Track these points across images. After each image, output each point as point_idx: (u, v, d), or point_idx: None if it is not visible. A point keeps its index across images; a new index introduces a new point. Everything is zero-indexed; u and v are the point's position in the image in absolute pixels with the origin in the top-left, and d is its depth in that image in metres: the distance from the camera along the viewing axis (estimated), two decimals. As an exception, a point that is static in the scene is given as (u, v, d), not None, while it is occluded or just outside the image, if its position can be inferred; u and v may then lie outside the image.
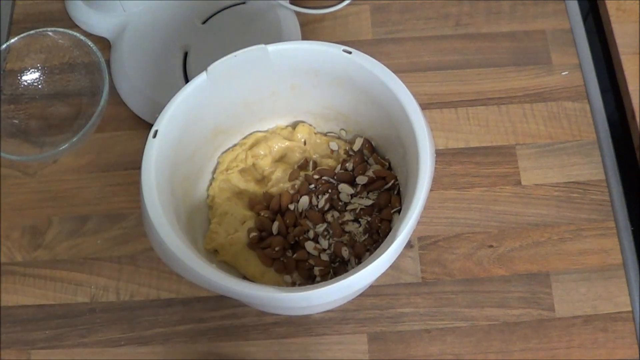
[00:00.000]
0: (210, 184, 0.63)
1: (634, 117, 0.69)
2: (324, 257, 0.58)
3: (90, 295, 0.64)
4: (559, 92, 0.72)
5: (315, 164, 0.64)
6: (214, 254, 0.61)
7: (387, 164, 0.62)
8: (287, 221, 0.60)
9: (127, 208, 0.67)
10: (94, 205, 0.67)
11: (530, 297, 0.63)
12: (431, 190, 0.67)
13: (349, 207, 0.60)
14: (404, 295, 0.63)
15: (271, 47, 0.55)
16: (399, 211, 0.59)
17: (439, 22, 0.77)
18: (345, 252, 0.58)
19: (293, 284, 0.59)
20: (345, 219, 0.60)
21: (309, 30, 0.76)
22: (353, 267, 0.54)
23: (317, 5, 0.77)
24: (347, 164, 0.62)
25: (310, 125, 0.65)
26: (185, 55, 0.72)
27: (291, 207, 0.61)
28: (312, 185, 0.61)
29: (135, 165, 0.63)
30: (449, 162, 0.69)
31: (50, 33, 0.69)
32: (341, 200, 0.60)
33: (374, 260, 0.47)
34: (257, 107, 0.62)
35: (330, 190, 0.61)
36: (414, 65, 0.74)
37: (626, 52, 0.72)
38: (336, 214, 0.60)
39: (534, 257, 0.65)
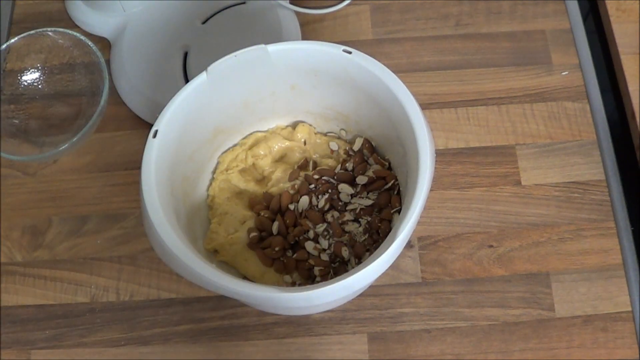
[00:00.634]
0: (210, 184, 0.63)
1: (634, 117, 0.69)
2: (324, 257, 0.58)
3: (90, 295, 0.64)
4: (559, 92, 0.72)
5: (315, 164, 0.64)
6: (214, 254, 0.61)
7: (387, 164, 0.62)
8: (287, 221, 0.60)
9: (127, 208, 0.67)
10: (94, 205, 0.67)
11: (530, 297, 0.63)
12: (431, 190, 0.67)
13: (349, 207, 0.60)
14: (404, 295, 0.63)
15: (271, 47, 0.55)
16: (399, 211, 0.59)
17: (439, 22, 0.77)
18: (345, 252, 0.58)
19: (293, 284, 0.59)
20: (345, 219, 0.60)
21: (309, 30, 0.76)
22: (353, 267, 0.54)
23: (317, 5, 0.77)
24: (347, 164, 0.62)
25: (310, 125, 0.65)
26: (185, 55, 0.72)
27: (291, 207, 0.61)
28: (312, 185, 0.61)
29: (135, 165, 0.63)
30: (449, 162, 0.69)
31: (50, 33, 0.69)
32: (341, 200, 0.60)
33: (374, 260, 0.47)
34: (257, 107, 0.62)
35: (330, 190, 0.61)
36: (414, 65, 0.74)
37: (626, 52, 0.72)
38: (336, 214, 0.60)
39: (534, 257, 0.65)
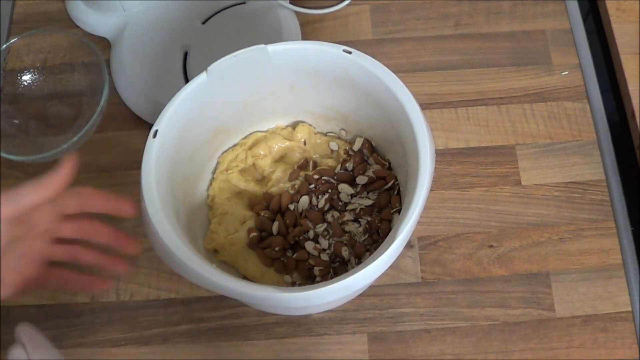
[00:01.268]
0: (210, 184, 0.63)
1: (633, 117, 0.69)
2: (324, 257, 0.58)
3: (90, 296, 0.64)
4: (559, 92, 0.72)
5: (315, 164, 0.64)
6: (214, 254, 0.61)
7: (387, 164, 0.62)
8: (287, 221, 0.60)
9: (127, 208, 0.67)
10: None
11: (530, 297, 0.63)
12: (431, 190, 0.67)
13: (348, 207, 0.60)
14: (404, 295, 0.63)
15: (271, 47, 0.55)
16: (399, 211, 0.59)
17: (439, 22, 0.77)
18: (345, 252, 0.58)
19: (293, 284, 0.59)
20: (345, 219, 0.60)
21: (309, 30, 0.76)
22: (353, 267, 0.54)
23: (317, 6, 0.77)
24: (347, 164, 0.62)
25: (310, 125, 0.65)
26: (185, 55, 0.72)
27: (291, 207, 0.61)
28: (312, 185, 0.61)
29: (135, 165, 0.63)
30: (449, 162, 0.69)
31: (50, 33, 0.69)
32: (341, 200, 0.60)
33: (374, 260, 0.47)
34: (256, 107, 0.62)
35: (330, 190, 0.61)
36: (414, 66, 0.74)
37: (626, 52, 0.72)
38: (336, 214, 0.60)
39: (533, 257, 0.65)
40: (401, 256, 0.64)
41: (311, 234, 0.59)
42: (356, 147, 0.63)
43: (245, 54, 0.55)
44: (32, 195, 0.47)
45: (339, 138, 0.65)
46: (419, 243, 0.65)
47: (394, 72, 0.55)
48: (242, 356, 0.61)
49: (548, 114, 0.71)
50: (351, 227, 0.59)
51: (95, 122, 0.66)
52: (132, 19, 0.73)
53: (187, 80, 0.71)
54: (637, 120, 0.68)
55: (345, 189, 0.61)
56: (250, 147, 0.64)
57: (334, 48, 0.56)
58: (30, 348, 0.45)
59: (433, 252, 0.65)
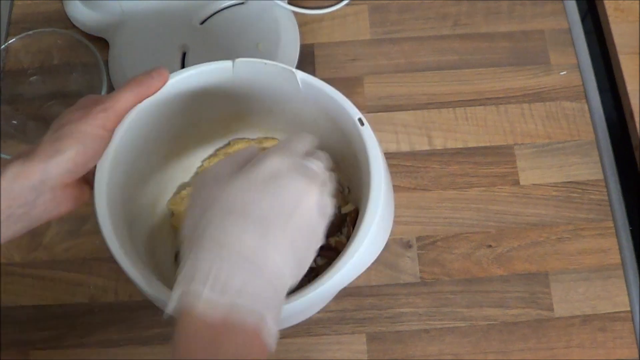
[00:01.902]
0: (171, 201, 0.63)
1: (632, 116, 0.69)
2: None
3: (89, 296, 0.64)
4: (558, 92, 0.72)
5: None
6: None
7: (346, 189, 0.61)
8: None
9: (126, 208, 0.67)
10: (93, 205, 0.67)
11: (529, 297, 0.63)
12: (430, 190, 0.68)
13: None
14: (403, 296, 0.63)
15: (299, 75, 0.52)
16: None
17: (437, 22, 0.77)
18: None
19: None
20: None
21: (308, 31, 0.76)
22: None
23: (316, 6, 0.77)
24: None
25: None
26: (184, 55, 0.72)
27: None
28: None
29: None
30: (447, 162, 0.69)
31: (48, 33, 0.69)
32: None
33: (300, 298, 0.45)
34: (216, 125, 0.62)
35: None
36: (413, 65, 0.74)
37: (624, 52, 0.72)
38: None
39: (532, 257, 0.65)
40: (400, 256, 0.65)
41: None
42: None
43: (273, 67, 0.53)
44: (127, 95, 0.48)
45: None
46: (417, 243, 0.65)
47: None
48: (241, 356, 0.61)
49: (546, 113, 0.71)
50: None
51: (93, 123, 0.66)
52: (131, 19, 0.73)
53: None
54: (636, 120, 0.69)
55: None
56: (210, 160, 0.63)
57: (351, 109, 0.52)
58: None
59: (432, 252, 0.65)
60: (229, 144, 0.64)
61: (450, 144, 0.70)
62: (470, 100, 0.72)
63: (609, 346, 0.61)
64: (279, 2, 0.74)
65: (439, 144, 0.70)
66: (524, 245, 0.65)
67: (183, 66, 0.71)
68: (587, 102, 0.72)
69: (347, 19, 0.77)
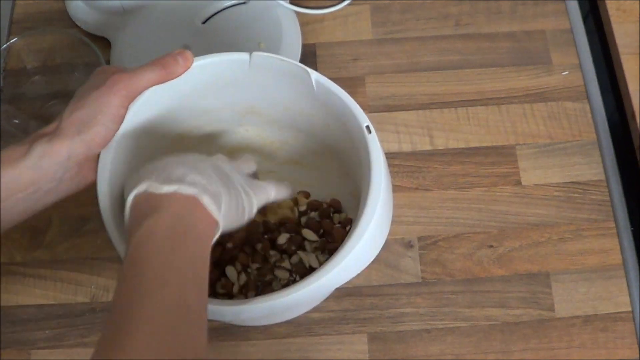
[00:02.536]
0: None
1: (634, 117, 0.69)
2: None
3: (90, 295, 0.64)
4: (559, 92, 0.72)
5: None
6: None
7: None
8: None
9: (127, 208, 0.67)
10: (94, 205, 0.67)
11: (530, 297, 0.63)
12: (431, 190, 0.68)
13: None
14: (404, 295, 0.63)
15: (314, 75, 0.53)
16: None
17: (439, 22, 0.76)
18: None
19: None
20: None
21: (309, 31, 0.76)
22: None
23: (318, 5, 0.77)
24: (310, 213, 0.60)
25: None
26: (186, 55, 0.72)
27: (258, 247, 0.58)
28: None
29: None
30: (449, 162, 0.69)
31: (50, 33, 0.69)
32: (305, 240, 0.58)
33: (292, 292, 0.47)
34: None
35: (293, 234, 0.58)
36: (414, 65, 0.74)
37: (626, 52, 0.72)
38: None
39: (534, 257, 0.65)
40: (401, 256, 0.64)
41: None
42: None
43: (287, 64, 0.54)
44: (150, 75, 0.50)
45: None
46: (419, 243, 0.65)
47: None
48: (242, 356, 0.61)
49: (548, 114, 0.71)
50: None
51: (95, 122, 0.66)
52: (133, 19, 0.73)
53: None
54: (637, 120, 0.68)
55: (309, 235, 0.58)
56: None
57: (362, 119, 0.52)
58: None
59: (433, 252, 0.65)
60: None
61: (452, 144, 0.70)
62: (472, 100, 0.72)
63: (610, 346, 0.61)
64: (280, 1, 0.74)
65: (440, 144, 0.70)
66: (525, 245, 0.65)
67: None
68: (589, 102, 0.72)
69: (348, 19, 0.77)
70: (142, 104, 0.51)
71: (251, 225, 0.53)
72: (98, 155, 0.50)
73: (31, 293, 0.64)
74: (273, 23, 0.73)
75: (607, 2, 0.75)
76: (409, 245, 0.65)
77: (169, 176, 0.44)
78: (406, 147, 0.70)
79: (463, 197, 0.67)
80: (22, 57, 0.70)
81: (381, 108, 0.71)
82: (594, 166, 0.69)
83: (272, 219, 0.59)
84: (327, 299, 0.62)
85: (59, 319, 0.63)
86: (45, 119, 0.70)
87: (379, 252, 0.51)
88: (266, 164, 0.63)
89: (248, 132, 0.64)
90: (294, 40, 0.73)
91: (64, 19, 0.76)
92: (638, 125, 0.68)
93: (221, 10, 0.74)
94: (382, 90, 0.72)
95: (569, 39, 0.75)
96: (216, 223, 0.45)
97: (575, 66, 0.74)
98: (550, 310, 0.62)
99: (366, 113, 0.52)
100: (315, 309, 0.62)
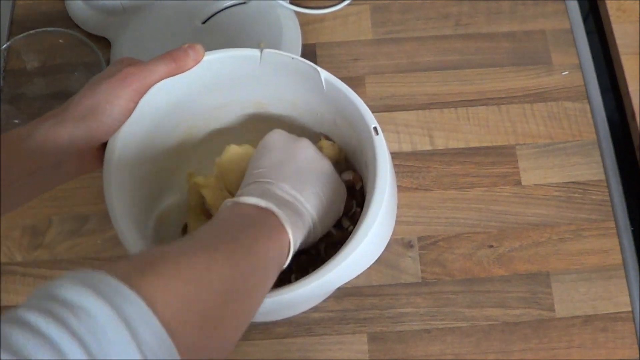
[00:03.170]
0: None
1: (634, 117, 0.69)
2: None
3: (90, 295, 0.63)
4: (559, 92, 0.72)
5: None
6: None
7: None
8: None
9: (127, 208, 0.67)
10: (94, 205, 0.67)
11: (530, 297, 0.63)
12: (431, 190, 0.68)
13: None
14: (404, 295, 0.63)
15: (324, 74, 0.53)
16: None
17: (439, 22, 0.77)
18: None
19: None
20: None
21: (309, 31, 0.76)
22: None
23: (318, 5, 0.77)
24: None
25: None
26: (186, 55, 0.72)
27: None
28: None
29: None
30: (449, 162, 0.69)
31: (50, 33, 0.69)
32: None
33: (293, 290, 0.47)
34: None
35: None
36: (414, 65, 0.74)
37: (626, 52, 0.72)
38: None
39: (534, 257, 0.65)
40: (401, 256, 0.64)
41: None
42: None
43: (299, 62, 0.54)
44: (161, 69, 0.50)
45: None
46: (419, 243, 0.65)
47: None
48: (242, 356, 0.61)
49: (548, 114, 0.71)
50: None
51: (95, 122, 0.66)
52: (132, 18, 0.73)
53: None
54: (637, 120, 0.68)
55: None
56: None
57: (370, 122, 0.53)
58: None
59: (433, 252, 0.65)
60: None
61: (452, 144, 0.70)
62: (472, 100, 0.72)
63: (610, 346, 0.61)
64: (280, 1, 0.74)
65: (440, 144, 0.70)
66: (525, 245, 0.65)
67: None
68: (589, 102, 0.72)
69: (348, 19, 0.77)
70: (151, 95, 0.52)
71: None
72: (100, 147, 0.50)
73: (32, 293, 0.64)
74: (273, 23, 0.73)
75: (607, 2, 0.75)
76: (409, 245, 0.65)
77: (269, 196, 0.47)
78: (406, 147, 0.70)
79: (463, 197, 0.67)
80: (23, 57, 0.70)
81: (381, 108, 0.71)
82: (594, 166, 0.69)
83: None
84: (327, 299, 0.62)
85: (59, 319, 0.63)
86: (45, 119, 0.70)
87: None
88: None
89: (256, 128, 0.64)
90: (294, 40, 0.73)
91: (64, 19, 0.76)
92: (638, 125, 0.68)
93: (221, 10, 0.74)
94: (382, 90, 0.72)
95: (569, 39, 0.75)
96: (283, 264, 0.46)
97: (575, 66, 0.74)
98: (550, 310, 0.62)
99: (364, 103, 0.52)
100: (315, 309, 0.62)
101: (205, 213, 0.59)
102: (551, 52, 0.74)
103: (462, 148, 0.70)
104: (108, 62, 0.73)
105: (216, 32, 0.73)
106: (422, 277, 0.64)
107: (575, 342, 0.61)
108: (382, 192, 0.49)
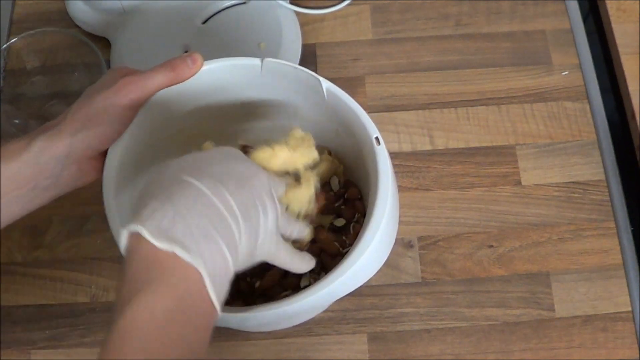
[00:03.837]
0: None
1: (633, 117, 0.69)
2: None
3: (90, 295, 0.64)
4: (559, 92, 0.72)
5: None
6: None
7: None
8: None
9: (127, 208, 0.67)
10: (94, 205, 0.67)
11: (530, 297, 0.63)
12: (431, 190, 0.68)
13: None
14: (404, 295, 0.63)
15: (325, 84, 0.53)
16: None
17: (439, 22, 0.77)
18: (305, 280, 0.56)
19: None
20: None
21: (309, 31, 0.76)
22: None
23: (318, 5, 0.77)
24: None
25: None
26: (186, 55, 0.72)
27: None
28: None
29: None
30: (449, 162, 0.69)
31: (50, 33, 0.69)
32: None
33: (293, 302, 0.46)
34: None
35: None
36: (414, 65, 0.74)
37: (626, 52, 0.72)
38: None
39: (533, 257, 0.65)
40: (401, 256, 0.64)
41: None
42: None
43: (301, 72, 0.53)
44: (159, 78, 0.49)
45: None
46: (419, 243, 0.65)
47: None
48: (242, 356, 0.61)
49: (548, 114, 0.71)
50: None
51: (95, 122, 0.66)
52: (133, 18, 0.73)
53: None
54: (637, 120, 0.68)
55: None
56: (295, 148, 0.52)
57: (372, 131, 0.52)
58: None
59: (433, 252, 0.65)
60: None
61: (452, 144, 0.70)
62: (472, 100, 0.72)
63: (610, 346, 0.61)
64: (280, 1, 0.74)
65: (440, 144, 0.70)
66: (525, 245, 0.65)
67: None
68: (589, 102, 0.72)
69: (348, 19, 0.77)
70: (152, 103, 0.51)
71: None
72: (99, 156, 0.50)
73: (31, 293, 0.64)
74: (273, 23, 0.73)
75: (607, 2, 0.75)
76: (409, 245, 0.65)
77: (173, 220, 0.38)
78: (406, 147, 0.70)
79: (463, 197, 0.67)
80: (23, 57, 0.70)
81: (381, 108, 0.71)
82: (594, 166, 0.69)
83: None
84: (327, 299, 0.63)
85: (59, 319, 0.63)
86: (45, 119, 0.70)
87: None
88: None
89: (256, 137, 0.64)
90: (294, 40, 0.73)
91: (64, 19, 0.76)
92: (638, 125, 0.68)
93: (221, 10, 0.74)
94: (382, 90, 0.72)
95: (569, 39, 0.75)
96: (216, 313, 0.39)
97: (575, 66, 0.74)
98: (550, 310, 0.62)
99: (366, 113, 0.52)
100: (315, 309, 0.62)
101: None
102: (551, 52, 0.74)
103: (462, 148, 0.70)
104: (108, 62, 0.73)
105: (216, 33, 0.73)
106: (422, 277, 0.64)
107: (575, 342, 0.61)
108: (384, 204, 0.49)
